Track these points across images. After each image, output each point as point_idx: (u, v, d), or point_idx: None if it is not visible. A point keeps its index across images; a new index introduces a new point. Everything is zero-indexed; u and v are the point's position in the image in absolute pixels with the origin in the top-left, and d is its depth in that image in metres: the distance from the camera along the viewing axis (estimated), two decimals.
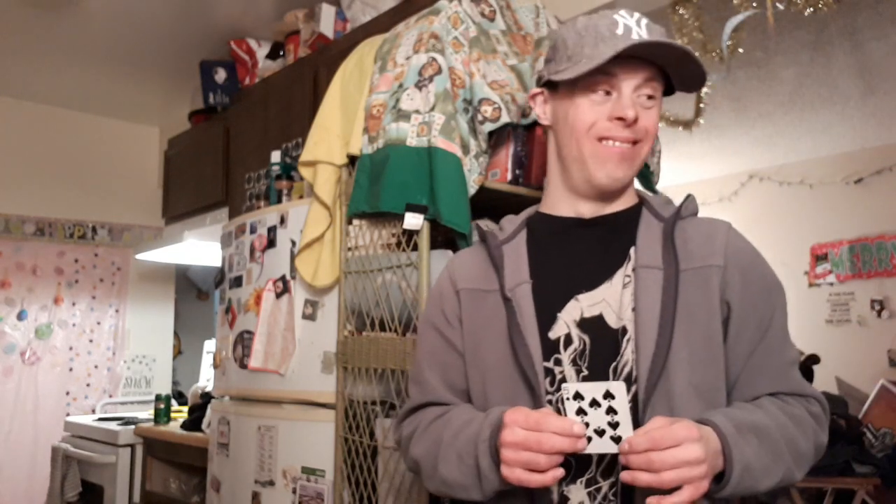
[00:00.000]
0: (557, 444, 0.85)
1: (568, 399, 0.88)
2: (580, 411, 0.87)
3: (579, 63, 1.01)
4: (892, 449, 4.11)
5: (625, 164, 1.03)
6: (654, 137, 1.05)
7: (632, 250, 1.02)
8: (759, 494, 0.92)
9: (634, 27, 1.02)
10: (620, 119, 1.01)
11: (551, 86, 1.09)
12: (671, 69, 1.04)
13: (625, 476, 0.85)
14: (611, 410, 0.86)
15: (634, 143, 1.03)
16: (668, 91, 1.08)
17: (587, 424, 0.87)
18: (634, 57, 1.00)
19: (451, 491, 1.00)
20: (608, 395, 0.86)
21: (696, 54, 1.02)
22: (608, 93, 1.02)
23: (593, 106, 1.03)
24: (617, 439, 0.87)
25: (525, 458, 0.87)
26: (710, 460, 0.85)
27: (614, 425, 0.86)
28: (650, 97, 1.03)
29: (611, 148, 1.02)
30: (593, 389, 0.86)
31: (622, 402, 0.85)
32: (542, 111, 1.12)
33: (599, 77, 1.02)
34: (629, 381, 0.96)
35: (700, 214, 1.10)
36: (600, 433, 0.87)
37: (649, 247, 1.02)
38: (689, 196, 1.09)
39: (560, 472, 0.87)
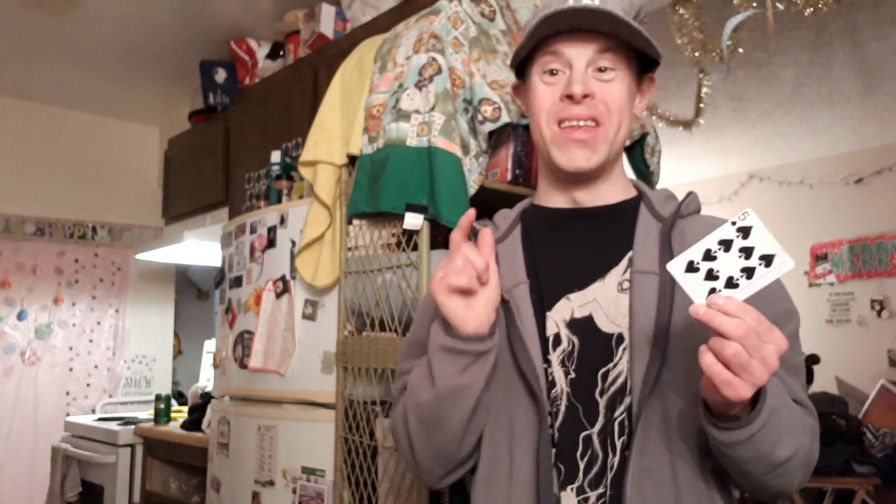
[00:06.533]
0: (468, 254, 0.87)
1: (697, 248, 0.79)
2: (708, 255, 0.77)
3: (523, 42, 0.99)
4: (892, 449, 4.11)
5: (585, 149, 0.97)
6: (619, 114, 0.98)
7: (630, 253, 0.98)
8: (775, 461, 0.85)
9: None
10: (570, 97, 0.96)
11: (519, 73, 1.06)
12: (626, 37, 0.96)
13: (712, 344, 0.76)
14: (744, 251, 0.76)
15: (596, 122, 0.97)
16: (651, 62, 1.01)
17: (717, 275, 0.77)
18: (584, 30, 0.95)
19: (423, 414, 0.96)
20: (741, 231, 0.76)
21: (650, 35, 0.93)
22: (555, 72, 0.98)
23: (547, 87, 0.99)
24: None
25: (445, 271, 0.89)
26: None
27: (749, 272, 0.76)
28: (609, 69, 0.96)
29: (570, 133, 0.97)
30: (716, 235, 0.77)
31: (759, 231, 0.76)
32: (522, 102, 1.09)
33: (547, 56, 0.98)
34: (623, 391, 0.93)
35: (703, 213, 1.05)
36: (732, 284, 0.77)
37: (646, 250, 0.97)
38: (690, 193, 1.04)
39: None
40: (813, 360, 4.10)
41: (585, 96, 0.96)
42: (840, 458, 3.86)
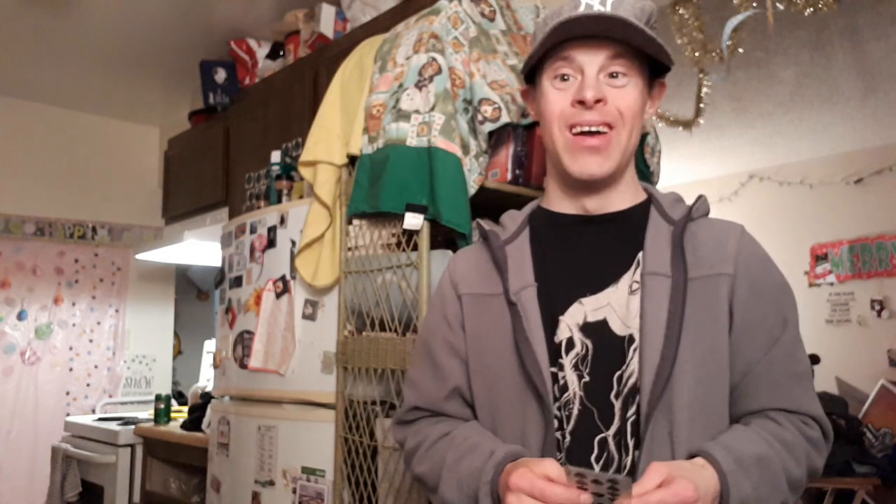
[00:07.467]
0: None
1: (569, 475, 0.83)
2: (581, 483, 0.83)
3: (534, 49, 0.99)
4: (892, 449, 4.11)
5: (598, 157, 0.97)
6: (633, 120, 0.97)
7: (640, 255, 0.98)
8: None
9: (596, 4, 0.95)
10: (581, 102, 0.95)
11: (530, 79, 1.06)
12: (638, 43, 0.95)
13: None
14: (613, 491, 0.82)
15: (609, 127, 0.96)
16: (662, 68, 1.01)
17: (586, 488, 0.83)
18: (596, 36, 0.94)
19: None
20: (613, 487, 0.81)
21: (650, 33, 0.94)
22: (566, 77, 0.98)
23: (558, 93, 0.98)
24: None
25: None
26: None
27: (613, 496, 0.82)
28: (621, 75, 0.96)
29: (582, 140, 0.97)
30: (599, 478, 0.82)
31: (625, 495, 0.81)
32: (531, 107, 1.09)
33: (559, 61, 0.97)
34: (634, 392, 0.92)
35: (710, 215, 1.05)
36: (598, 495, 0.83)
37: (657, 252, 0.97)
38: (700, 197, 1.03)
39: None
40: (813, 360, 4.11)
41: (598, 101, 0.95)
42: (840, 458, 3.86)
